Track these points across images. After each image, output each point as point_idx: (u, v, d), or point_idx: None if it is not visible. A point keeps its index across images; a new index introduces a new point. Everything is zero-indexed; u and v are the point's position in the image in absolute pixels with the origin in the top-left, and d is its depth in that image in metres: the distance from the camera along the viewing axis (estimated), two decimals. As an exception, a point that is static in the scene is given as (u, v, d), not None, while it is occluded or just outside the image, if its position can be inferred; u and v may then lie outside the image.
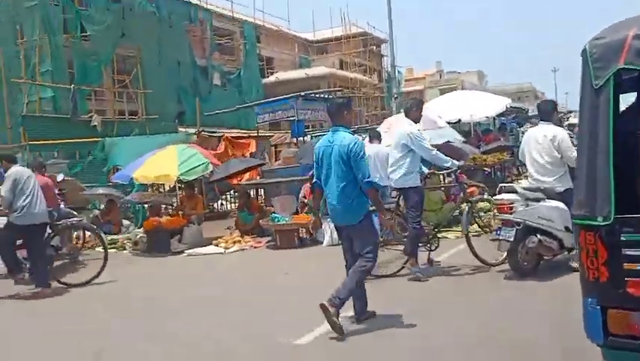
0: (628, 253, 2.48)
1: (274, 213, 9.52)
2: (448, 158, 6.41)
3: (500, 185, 6.80)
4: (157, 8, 25.29)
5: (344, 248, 4.87)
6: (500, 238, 5.72)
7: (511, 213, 5.73)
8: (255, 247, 9.31)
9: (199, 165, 9.46)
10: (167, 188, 12.64)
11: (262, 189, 12.07)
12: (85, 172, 14.22)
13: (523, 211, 5.69)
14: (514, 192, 5.97)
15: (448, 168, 6.61)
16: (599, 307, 2.55)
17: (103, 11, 23.26)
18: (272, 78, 32.19)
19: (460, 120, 14.07)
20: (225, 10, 29.78)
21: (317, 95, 12.73)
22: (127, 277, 7.80)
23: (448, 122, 13.62)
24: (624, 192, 2.63)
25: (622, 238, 2.49)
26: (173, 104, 25.18)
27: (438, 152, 6.45)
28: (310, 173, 10.44)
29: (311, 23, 65.51)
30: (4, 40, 20.95)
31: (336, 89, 19.80)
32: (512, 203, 5.82)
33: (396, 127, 10.91)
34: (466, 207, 6.91)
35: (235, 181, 13.48)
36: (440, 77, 51.72)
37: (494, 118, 16.30)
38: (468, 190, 11.00)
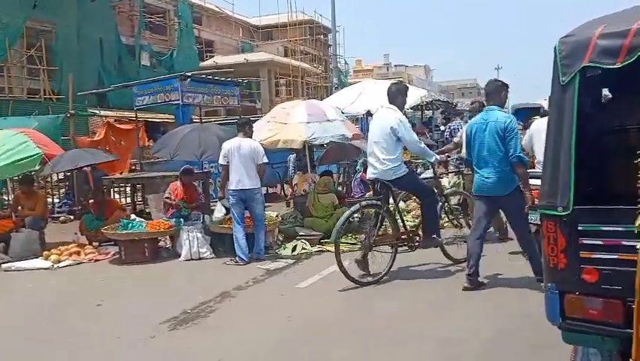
0: (584, 241, 2.60)
1: (127, 218, 7.68)
2: (433, 152, 6.17)
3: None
4: (77, -21, 22.83)
5: (480, 217, 5.32)
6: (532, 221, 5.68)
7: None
8: (97, 261, 7.45)
9: (26, 158, 7.42)
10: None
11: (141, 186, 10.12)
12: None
13: None
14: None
15: (432, 164, 6.33)
16: (557, 291, 2.67)
17: (11, -23, 20.69)
18: (210, 62, 30.06)
19: (369, 112, 12.52)
20: (158, -14, 27.41)
21: (210, 77, 10.81)
22: None
23: (355, 116, 12.25)
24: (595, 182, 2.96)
25: (579, 228, 2.61)
26: (93, 84, 22.89)
27: (424, 144, 6.17)
28: (183, 168, 8.65)
29: (257, 8, 63.15)
30: None
31: (228, 70, 17.82)
32: (537, 188, 5.13)
33: (281, 118, 9.25)
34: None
35: (117, 174, 11.58)
36: (387, 69, 50.52)
37: (421, 112, 14.88)
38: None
